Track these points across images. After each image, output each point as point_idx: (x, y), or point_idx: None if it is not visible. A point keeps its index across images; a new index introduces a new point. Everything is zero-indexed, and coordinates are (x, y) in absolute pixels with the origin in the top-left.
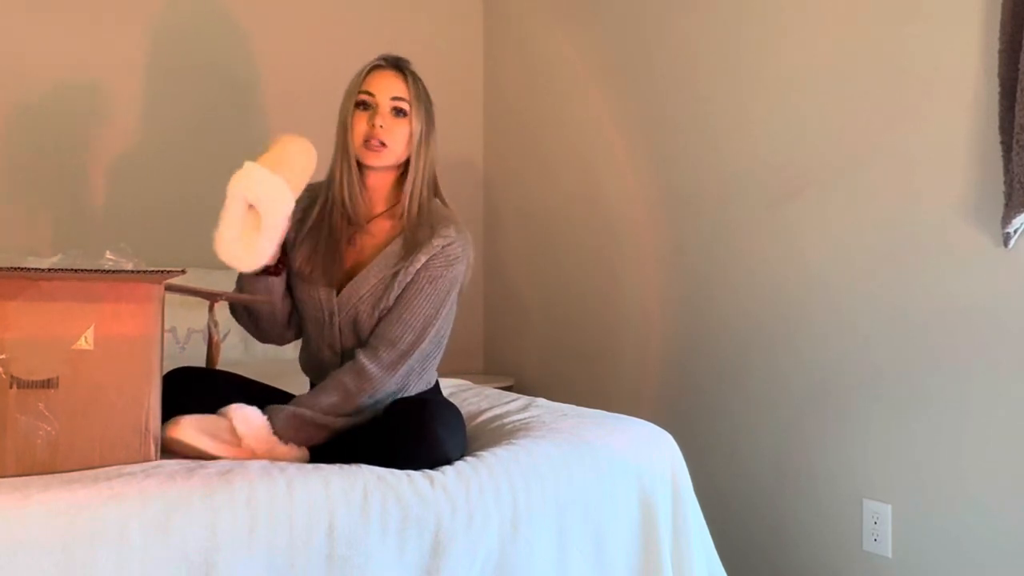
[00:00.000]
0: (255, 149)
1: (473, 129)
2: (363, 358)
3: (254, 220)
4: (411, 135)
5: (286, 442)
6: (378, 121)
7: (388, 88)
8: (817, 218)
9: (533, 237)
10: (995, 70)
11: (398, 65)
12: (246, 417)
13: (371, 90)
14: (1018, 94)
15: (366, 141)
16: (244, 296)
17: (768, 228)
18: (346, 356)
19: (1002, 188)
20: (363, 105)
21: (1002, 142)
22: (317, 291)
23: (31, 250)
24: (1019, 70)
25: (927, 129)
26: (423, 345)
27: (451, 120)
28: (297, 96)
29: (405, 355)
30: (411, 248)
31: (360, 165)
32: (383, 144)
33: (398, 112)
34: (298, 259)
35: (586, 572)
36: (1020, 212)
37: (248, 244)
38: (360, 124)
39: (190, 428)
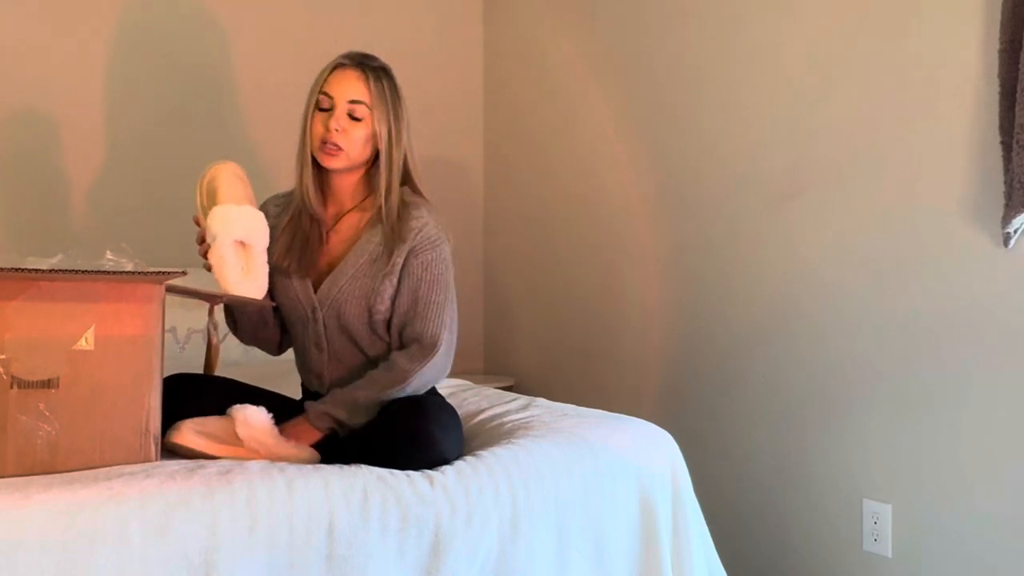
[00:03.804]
0: (258, 151)
1: (473, 129)
2: (396, 355)
3: (243, 254)
4: (373, 136)
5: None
6: (333, 124)
7: (347, 90)
8: (817, 218)
9: (533, 237)
10: (995, 70)
11: (361, 64)
12: (247, 419)
13: (330, 91)
14: (1018, 94)
15: (322, 144)
16: (243, 298)
17: (768, 228)
18: (333, 354)
19: (1002, 188)
20: (322, 106)
21: (1002, 142)
22: (294, 287)
23: (31, 250)
24: (1019, 70)
25: (927, 129)
26: (446, 333)
27: (451, 120)
28: (295, 97)
29: (434, 345)
30: (390, 242)
31: (321, 166)
32: (338, 147)
33: (355, 116)
34: (276, 253)
35: (586, 572)
36: (1020, 212)
37: (252, 276)
38: (317, 126)
39: (190, 433)
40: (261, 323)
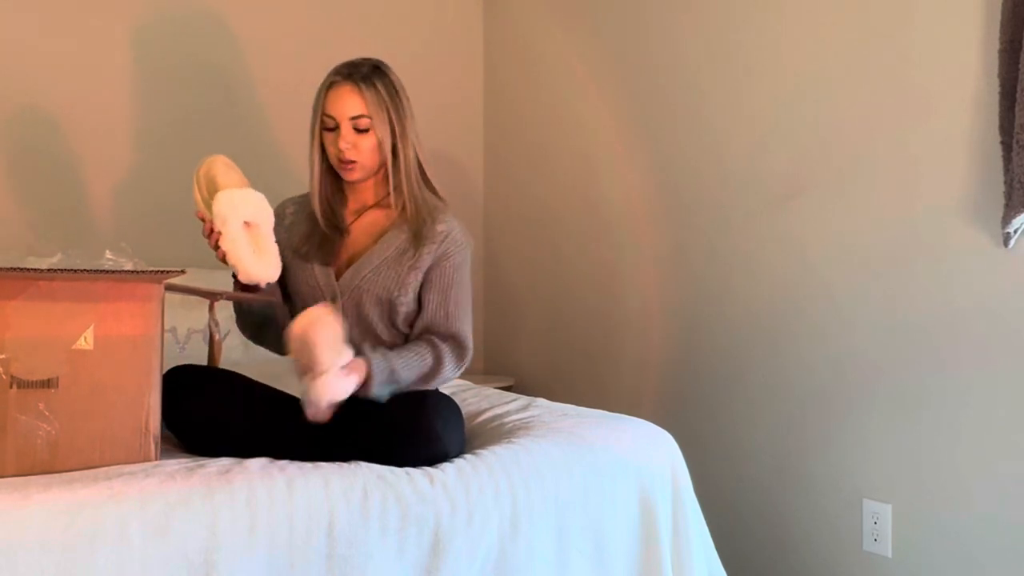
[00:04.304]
0: (255, 148)
1: (473, 129)
2: (444, 351)
3: (251, 236)
4: (378, 143)
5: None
6: (342, 144)
7: (345, 108)
8: (817, 218)
9: (533, 237)
10: (995, 70)
11: (352, 76)
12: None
13: (331, 113)
14: (1018, 94)
15: (339, 163)
16: (243, 295)
17: (768, 228)
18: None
19: (1002, 188)
20: (327, 127)
21: (1002, 142)
22: (314, 273)
23: (31, 250)
24: (1019, 70)
25: (927, 129)
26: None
27: (451, 120)
28: (296, 96)
29: (468, 347)
30: (418, 239)
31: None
32: (353, 162)
33: (360, 128)
34: (295, 241)
35: (586, 572)
36: (1020, 212)
37: (265, 256)
38: (330, 146)
39: (328, 333)
40: (269, 319)
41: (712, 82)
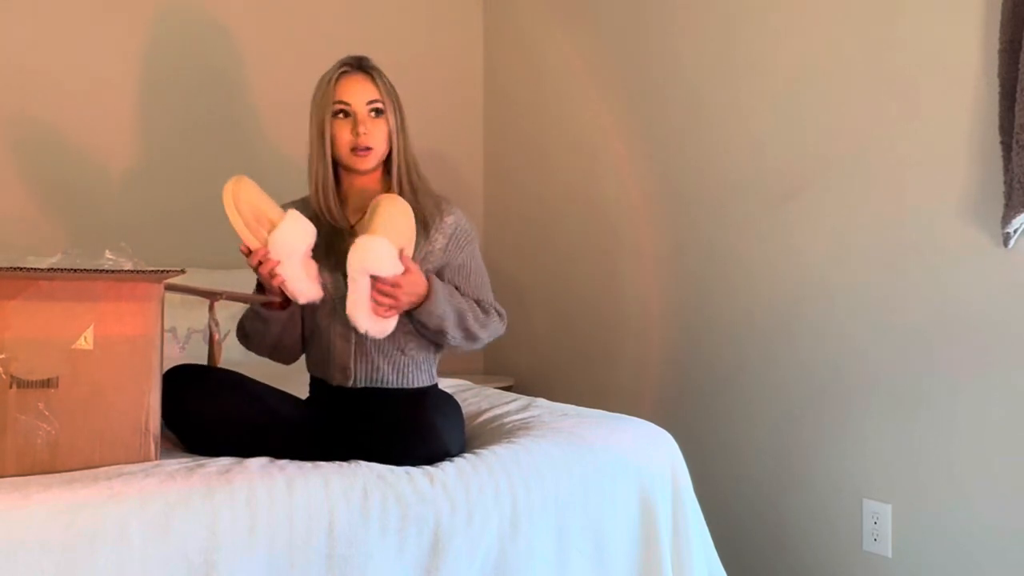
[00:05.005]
0: (254, 151)
1: (473, 129)
2: (492, 312)
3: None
4: (390, 131)
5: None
6: (361, 129)
7: (362, 94)
8: (816, 218)
9: (533, 237)
10: (995, 70)
11: (363, 66)
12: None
13: (346, 99)
14: (1018, 94)
15: (353, 149)
16: (244, 295)
17: (768, 228)
18: (360, 344)
19: (1002, 188)
20: (342, 114)
21: (1002, 142)
22: (321, 278)
23: (31, 249)
24: (1019, 70)
25: (927, 129)
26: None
27: (451, 120)
28: (295, 99)
29: (502, 311)
30: (426, 229)
31: (341, 168)
32: (368, 148)
33: (376, 113)
34: None
35: (586, 572)
36: (1020, 212)
37: (313, 276)
38: (343, 134)
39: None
40: (290, 323)
41: (712, 81)
